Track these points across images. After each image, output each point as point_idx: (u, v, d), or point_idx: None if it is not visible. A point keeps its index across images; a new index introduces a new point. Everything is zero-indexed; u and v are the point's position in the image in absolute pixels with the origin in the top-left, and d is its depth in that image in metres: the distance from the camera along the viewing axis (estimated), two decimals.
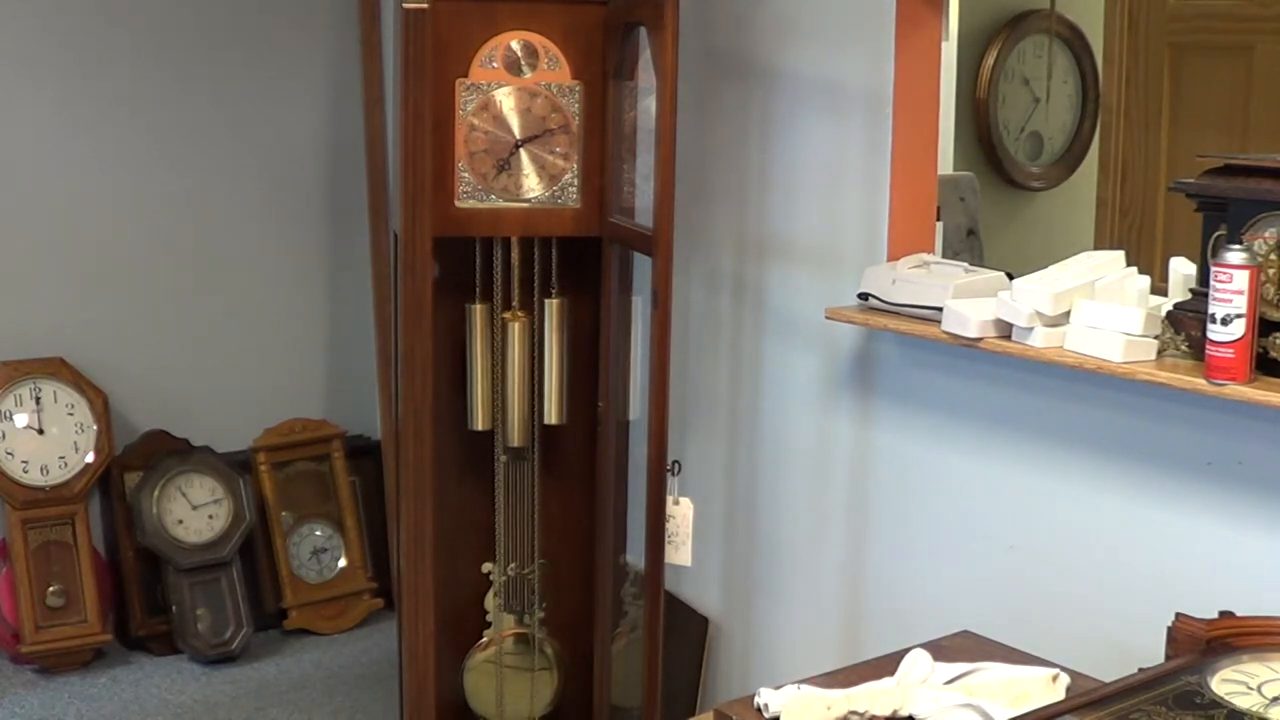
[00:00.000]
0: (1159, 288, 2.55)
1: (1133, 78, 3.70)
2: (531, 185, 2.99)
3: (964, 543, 2.88)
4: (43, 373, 4.04)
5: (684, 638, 3.52)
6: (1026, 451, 2.75)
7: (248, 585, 4.19)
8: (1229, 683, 1.94)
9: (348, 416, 4.60)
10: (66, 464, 4.04)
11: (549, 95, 2.97)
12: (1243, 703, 1.87)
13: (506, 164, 2.97)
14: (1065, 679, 2.26)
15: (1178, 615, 2.11)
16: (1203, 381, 2.26)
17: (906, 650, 2.36)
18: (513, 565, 3.24)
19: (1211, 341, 2.24)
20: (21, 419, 4.00)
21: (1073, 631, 2.62)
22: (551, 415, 3.15)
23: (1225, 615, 2.10)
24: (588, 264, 3.11)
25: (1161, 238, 3.59)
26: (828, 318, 2.98)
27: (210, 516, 4.18)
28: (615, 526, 3.26)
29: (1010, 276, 2.72)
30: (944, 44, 3.08)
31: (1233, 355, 2.21)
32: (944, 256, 3.04)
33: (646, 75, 2.94)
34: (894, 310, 2.82)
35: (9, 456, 3.97)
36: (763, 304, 3.32)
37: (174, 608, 4.07)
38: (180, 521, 4.14)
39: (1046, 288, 2.52)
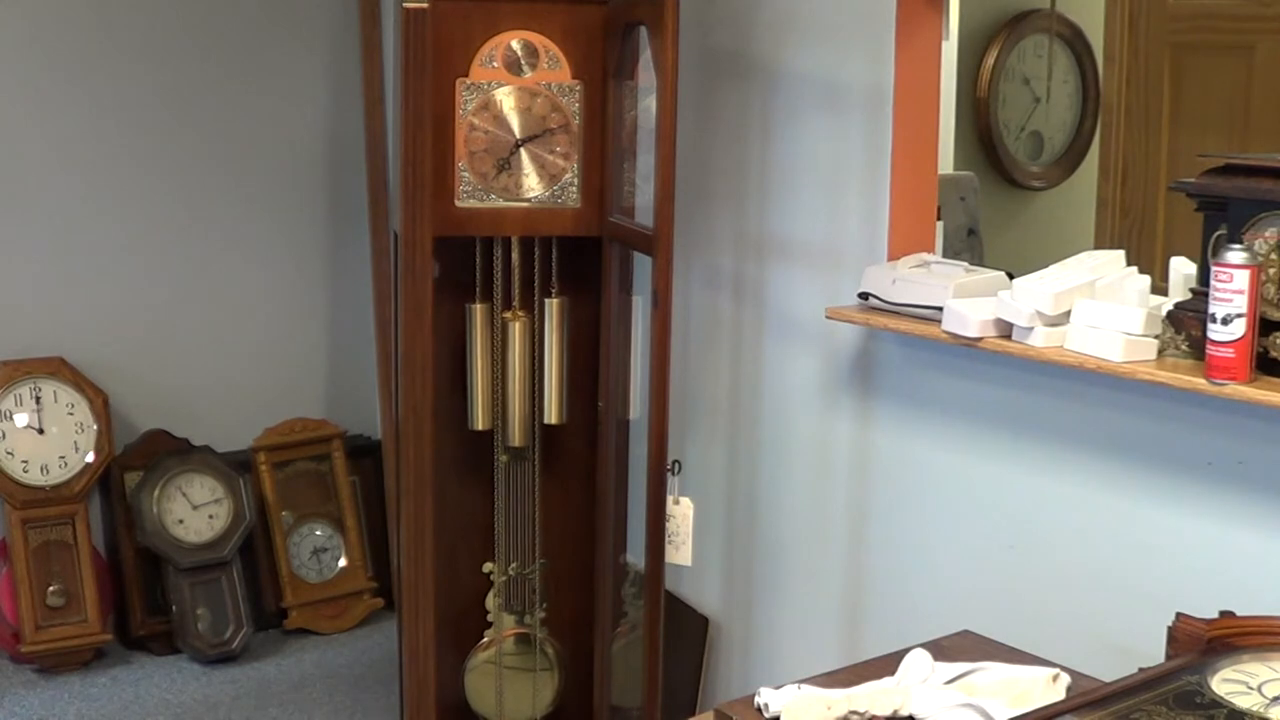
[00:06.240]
0: (1159, 287, 2.55)
1: (1133, 78, 3.69)
2: (531, 185, 2.99)
3: (964, 542, 2.88)
4: (43, 373, 4.04)
5: (684, 638, 3.52)
6: (1026, 451, 2.74)
7: (248, 585, 4.19)
8: (1229, 682, 1.94)
9: (348, 416, 4.60)
10: (66, 464, 4.04)
11: (549, 95, 2.97)
12: (1243, 702, 1.87)
13: (506, 163, 2.97)
14: (1065, 679, 2.26)
15: (1178, 615, 2.11)
16: (1203, 381, 2.26)
17: (906, 650, 2.36)
18: (513, 565, 3.24)
19: (1212, 341, 2.23)
20: (21, 419, 4.00)
21: (1073, 631, 2.62)
22: (552, 415, 3.15)
23: (1225, 615, 2.10)
24: (588, 264, 3.11)
25: (1162, 238, 3.59)
26: (828, 317, 2.98)
27: (210, 516, 4.18)
28: (615, 526, 3.26)
29: (1010, 276, 2.72)
30: (944, 44, 3.07)
31: (1233, 355, 2.21)
32: (944, 256, 3.04)
33: (646, 75, 2.94)
34: (894, 310, 2.82)
35: (9, 456, 3.97)
36: (763, 304, 3.32)
37: (174, 608, 4.07)
38: (180, 521, 4.14)
39: (1047, 287, 2.52)
